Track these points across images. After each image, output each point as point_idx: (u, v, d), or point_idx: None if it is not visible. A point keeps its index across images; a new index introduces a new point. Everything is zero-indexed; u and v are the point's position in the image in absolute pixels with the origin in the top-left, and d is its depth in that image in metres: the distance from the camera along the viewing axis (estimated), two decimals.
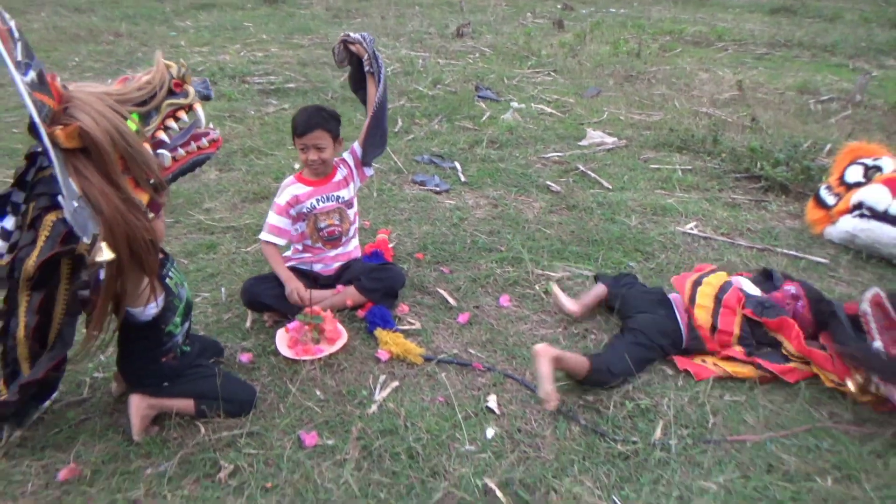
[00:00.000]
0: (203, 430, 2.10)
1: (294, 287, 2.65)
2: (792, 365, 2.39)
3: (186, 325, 2.13)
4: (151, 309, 1.91)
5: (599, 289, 2.79)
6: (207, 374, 2.15)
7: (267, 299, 2.69)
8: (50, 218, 1.65)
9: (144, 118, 1.73)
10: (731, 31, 10.25)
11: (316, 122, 2.64)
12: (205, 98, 1.92)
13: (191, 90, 1.83)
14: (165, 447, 2.03)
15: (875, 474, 2.00)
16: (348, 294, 2.78)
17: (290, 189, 2.77)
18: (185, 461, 1.99)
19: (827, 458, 2.07)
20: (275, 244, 2.75)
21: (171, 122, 1.82)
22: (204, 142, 1.92)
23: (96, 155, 1.57)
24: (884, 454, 2.08)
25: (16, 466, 1.95)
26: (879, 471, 2.02)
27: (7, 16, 1.48)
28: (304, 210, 2.75)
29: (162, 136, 1.81)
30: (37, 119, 1.46)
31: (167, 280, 1.99)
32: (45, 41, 8.08)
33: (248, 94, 6.00)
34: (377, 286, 2.78)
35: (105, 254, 1.52)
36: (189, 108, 1.85)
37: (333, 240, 2.85)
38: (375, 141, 2.83)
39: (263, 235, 2.74)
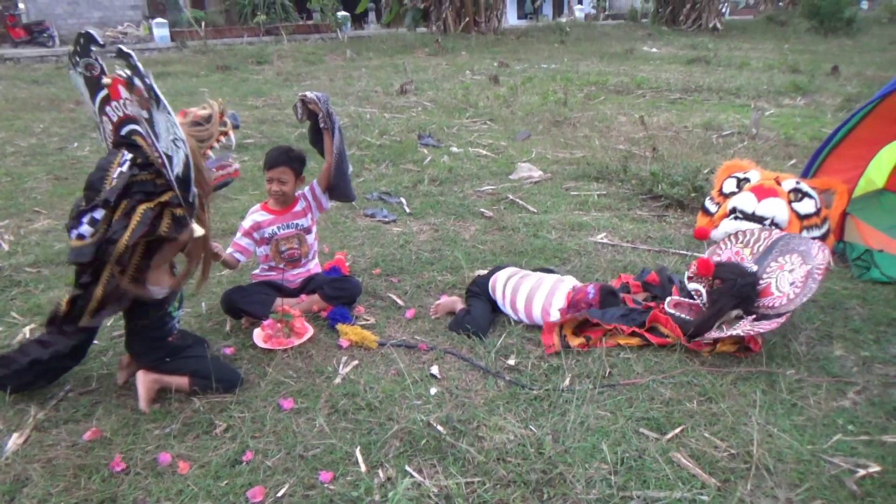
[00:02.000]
0: (198, 401, 2.56)
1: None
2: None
3: (179, 311, 2.64)
4: (164, 291, 2.43)
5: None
6: (200, 355, 2.64)
7: (243, 305, 3.19)
8: (141, 208, 2.21)
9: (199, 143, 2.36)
10: (650, 80, 11.32)
11: (282, 159, 3.22)
12: (235, 127, 2.58)
13: (228, 121, 2.49)
14: (169, 414, 2.49)
15: (729, 396, 2.60)
16: (313, 301, 3.30)
17: (254, 216, 3.31)
18: (186, 423, 2.45)
19: (694, 389, 2.66)
20: (237, 259, 3.26)
21: (209, 152, 2.41)
22: (229, 170, 2.53)
23: None
24: (736, 383, 2.69)
25: (45, 435, 2.38)
26: (733, 394, 2.62)
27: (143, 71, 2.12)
28: (267, 235, 3.29)
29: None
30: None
31: (175, 270, 2.55)
32: (7, 111, 8.51)
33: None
34: (339, 294, 3.30)
35: (198, 230, 2.25)
36: (225, 134, 2.47)
37: (294, 261, 3.38)
38: (340, 186, 3.34)
39: (228, 250, 3.24)
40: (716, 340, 2.93)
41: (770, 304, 2.94)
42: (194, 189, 2.23)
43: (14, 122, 7.80)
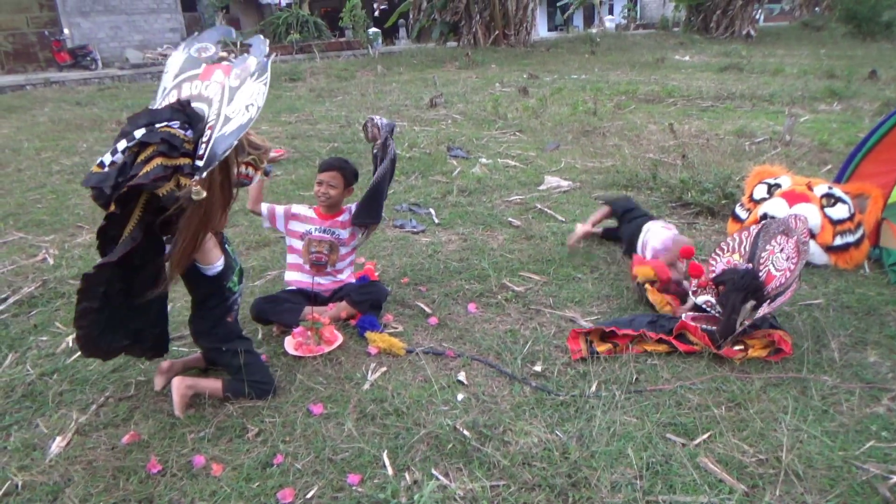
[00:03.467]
0: (231, 406, 2.64)
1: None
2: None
3: (241, 285, 2.76)
4: (217, 267, 2.56)
5: (604, 209, 4.25)
6: (248, 350, 2.72)
7: (272, 316, 3.27)
8: (157, 161, 2.14)
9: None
10: (681, 88, 11.25)
11: (336, 165, 3.38)
12: (265, 173, 2.98)
13: (266, 166, 2.85)
14: (203, 419, 2.57)
15: (758, 402, 2.58)
16: (341, 308, 3.36)
17: (301, 207, 3.46)
18: (219, 427, 2.52)
19: (723, 394, 2.64)
20: (262, 213, 3.44)
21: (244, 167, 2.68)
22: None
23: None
24: (765, 389, 2.66)
25: (86, 439, 2.48)
26: (762, 399, 2.59)
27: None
28: (301, 231, 3.42)
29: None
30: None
31: (227, 247, 2.68)
32: (53, 131, 8.84)
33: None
34: (365, 299, 3.37)
35: (201, 193, 2.12)
36: (255, 168, 2.76)
37: (319, 265, 3.46)
38: (367, 210, 3.42)
39: (266, 204, 3.43)
40: (746, 346, 2.91)
41: (777, 284, 2.96)
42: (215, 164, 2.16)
43: (59, 142, 8.10)
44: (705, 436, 2.41)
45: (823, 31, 22.80)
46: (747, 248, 3.26)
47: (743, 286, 2.95)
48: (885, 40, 19.09)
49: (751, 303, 2.88)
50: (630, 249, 3.91)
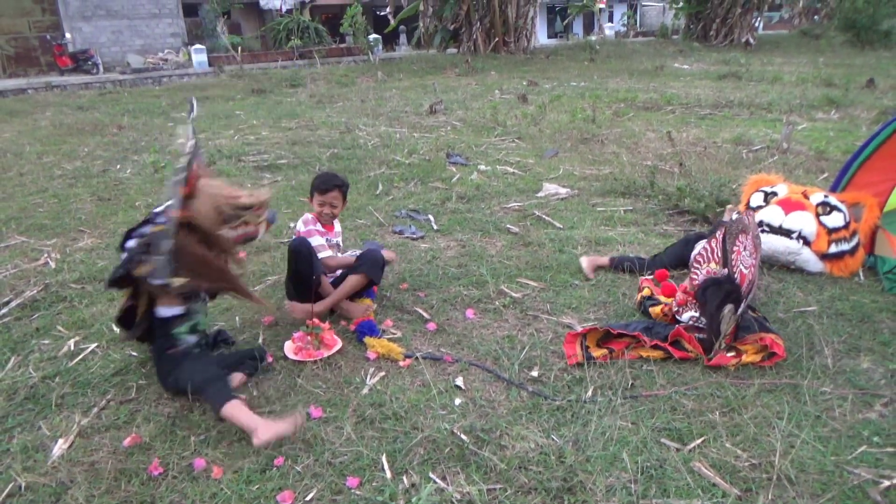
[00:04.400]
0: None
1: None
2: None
3: (192, 337, 2.84)
4: (166, 312, 2.72)
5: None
6: (196, 360, 2.79)
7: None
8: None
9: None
10: (680, 96, 11.32)
11: (337, 184, 3.53)
12: (270, 222, 2.99)
13: (266, 217, 2.90)
14: (203, 423, 2.60)
15: (752, 408, 2.61)
16: (349, 282, 3.47)
17: (317, 234, 3.55)
18: (220, 431, 2.55)
19: (717, 400, 2.68)
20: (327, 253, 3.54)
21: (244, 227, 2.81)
22: (249, 229, 2.88)
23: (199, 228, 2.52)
24: (759, 395, 2.69)
25: (89, 441, 2.51)
26: (756, 405, 2.63)
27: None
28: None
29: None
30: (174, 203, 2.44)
31: (198, 303, 2.84)
32: (55, 136, 8.89)
33: (245, 170, 6.75)
34: (363, 261, 3.52)
35: (177, 282, 2.48)
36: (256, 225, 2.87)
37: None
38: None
39: (322, 255, 3.47)
40: (739, 353, 2.94)
41: (748, 282, 3.01)
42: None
43: (61, 147, 8.15)
44: (699, 441, 2.44)
45: (822, 40, 22.91)
46: (720, 255, 3.34)
47: (720, 289, 2.99)
48: (883, 49, 19.20)
49: (728, 307, 2.91)
50: (678, 262, 3.92)
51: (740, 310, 2.90)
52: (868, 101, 10.08)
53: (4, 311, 3.61)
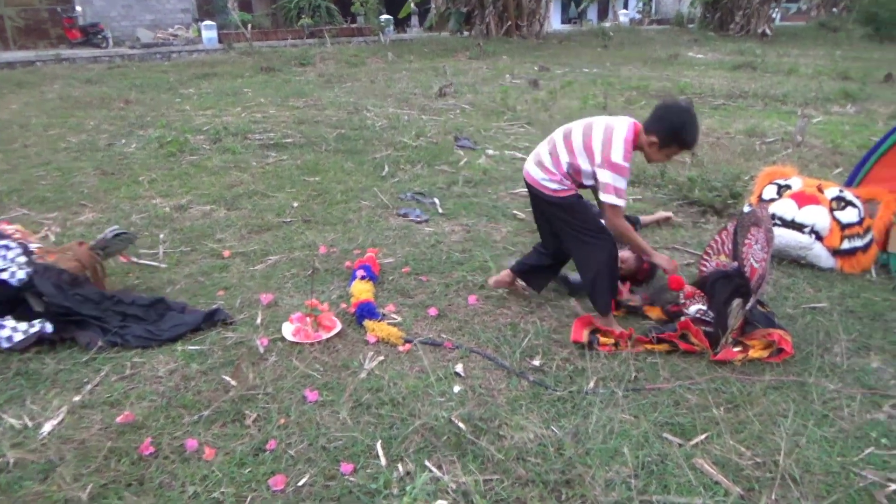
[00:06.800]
0: (231, 392, 2.62)
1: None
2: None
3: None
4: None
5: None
6: None
7: None
8: None
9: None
10: (693, 85, 11.14)
11: None
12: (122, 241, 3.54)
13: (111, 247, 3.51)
14: (199, 402, 2.56)
15: (758, 404, 2.55)
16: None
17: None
18: (216, 412, 2.51)
19: (722, 396, 2.62)
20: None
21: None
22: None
23: None
24: (765, 391, 2.63)
25: (79, 419, 2.47)
26: (762, 402, 2.56)
27: None
28: None
29: None
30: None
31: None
32: (61, 108, 8.84)
33: (250, 148, 6.68)
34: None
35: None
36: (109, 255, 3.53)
37: None
38: None
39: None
40: (746, 347, 2.88)
41: (758, 276, 2.92)
42: None
43: (68, 120, 8.09)
44: (702, 436, 2.38)
45: (840, 33, 22.54)
46: (730, 248, 3.25)
47: (730, 282, 2.92)
48: None
49: (737, 301, 2.84)
50: None
51: (749, 304, 2.82)
52: (886, 96, 9.91)
53: None
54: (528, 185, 3.16)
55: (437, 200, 5.07)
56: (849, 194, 3.89)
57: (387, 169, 5.94)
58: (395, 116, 8.19)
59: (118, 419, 2.43)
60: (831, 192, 3.91)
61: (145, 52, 17.26)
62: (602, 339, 2.96)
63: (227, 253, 4.05)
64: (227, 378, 2.70)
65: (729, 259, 3.26)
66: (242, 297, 3.50)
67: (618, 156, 2.79)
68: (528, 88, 10.78)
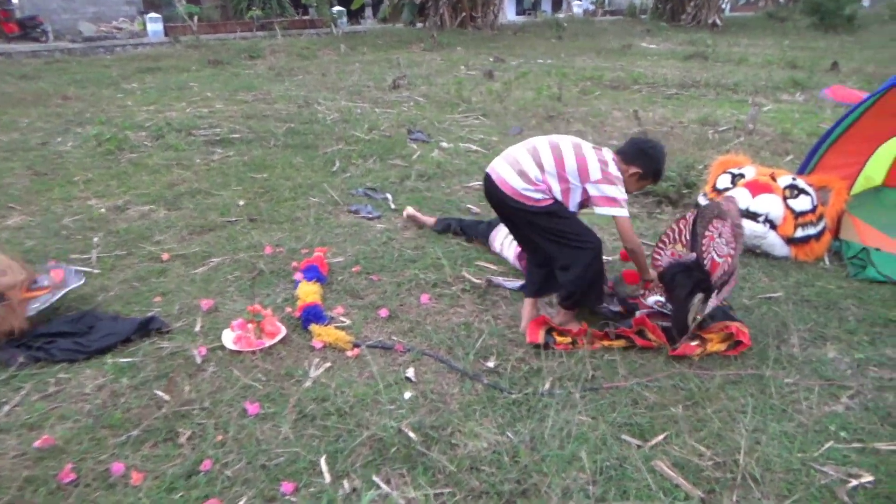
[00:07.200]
0: (164, 408, 2.44)
1: None
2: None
3: None
4: None
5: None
6: None
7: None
8: None
9: None
10: (647, 75, 11.18)
11: None
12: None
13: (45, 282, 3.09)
14: (128, 421, 2.37)
15: (716, 401, 2.48)
16: None
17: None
18: (146, 430, 2.33)
19: (680, 393, 2.54)
20: None
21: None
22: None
23: None
24: (723, 387, 2.57)
25: None
26: (720, 398, 2.50)
27: None
28: None
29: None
30: None
31: None
32: None
33: (195, 144, 6.40)
34: None
35: None
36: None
37: None
38: None
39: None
40: (704, 341, 2.81)
41: (722, 272, 2.85)
42: None
43: (2, 117, 7.66)
44: (661, 436, 2.30)
45: (787, 23, 22.98)
46: (688, 238, 3.15)
47: (689, 276, 2.86)
48: (846, 33, 19.32)
49: (699, 296, 2.78)
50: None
51: (712, 301, 2.75)
52: (832, 84, 10.08)
53: None
54: (501, 196, 2.84)
55: (389, 196, 4.92)
56: (801, 182, 3.87)
57: (338, 164, 5.76)
58: (347, 109, 7.98)
59: (36, 444, 2.23)
60: (784, 180, 3.89)
61: (87, 46, 16.61)
62: (559, 339, 2.86)
63: (165, 256, 3.83)
64: (160, 393, 2.51)
65: (686, 249, 3.19)
66: (181, 302, 3.30)
67: (614, 168, 2.85)
68: (483, 80, 10.66)
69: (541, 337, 2.85)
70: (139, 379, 2.63)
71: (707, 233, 3.03)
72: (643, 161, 2.90)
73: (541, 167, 2.79)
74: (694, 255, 3.06)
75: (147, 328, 2.95)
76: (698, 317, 2.76)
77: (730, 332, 2.85)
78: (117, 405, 2.47)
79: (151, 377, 2.65)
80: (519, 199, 2.79)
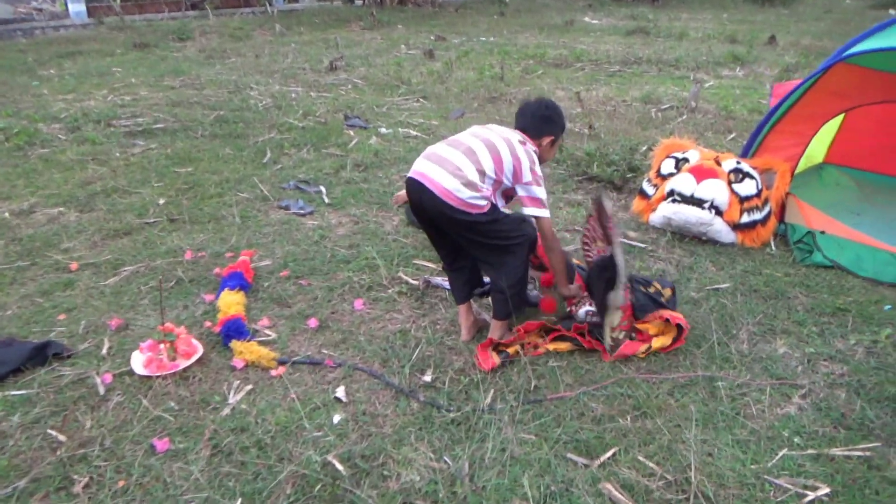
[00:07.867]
0: (59, 452, 2.16)
1: None
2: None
3: None
4: None
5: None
6: None
7: None
8: None
9: None
10: (589, 52, 11.05)
11: None
12: None
13: None
14: (16, 469, 2.09)
15: (666, 409, 2.34)
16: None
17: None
18: (35, 479, 2.05)
19: (628, 402, 2.39)
20: None
21: None
22: None
23: None
24: (673, 392, 2.43)
25: None
26: (669, 406, 2.36)
27: None
28: None
29: None
30: None
31: None
32: None
33: (114, 136, 5.95)
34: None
35: None
36: None
37: None
38: None
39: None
40: (643, 334, 2.69)
41: (605, 259, 2.72)
42: None
43: None
44: (610, 453, 2.15)
45: None
46: (601, 233, 2.95)
47: (599, 281, 2.68)
48: (781, 6, 19.64)
49: (611, 294, 2.62)
50: None
51: (619, 292, 2.60)
52: (770, 58, 10.15)
53: None
54: (439, 206, 2.51)
55: (323, 189, 4.64)
56: (746, 166, 3.77)
57: (269, 155, 5.42)
58: (280, 95, 7.59)
59: None
60: (729, 164, 3.78)
61: (3, 30, 15.53)
62: (509, 351, 2.67)
63: (74, 266, 3.49)
64: (54, 432, 2.23)
65: (605, 244, 2.99)
66: (87, 320, 2.99)
67: (537, 165, 2.72)
68: (424, 60, 10.35)
69: (495, 359, 2.63)
70: (32, 416, 2.33)
71: (609, 224, 2.82)
72: (550, 126, 2.84)
73: (482, 172, 2.55)
74: (610, 246, 2.85)
75: (43, 354, 2.64)
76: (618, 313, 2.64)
77: (665, 320, 2.72)
78: (5, 450, 2.17)
79: (47, 413, 2.35)
80: (465, 208, 2.50)
